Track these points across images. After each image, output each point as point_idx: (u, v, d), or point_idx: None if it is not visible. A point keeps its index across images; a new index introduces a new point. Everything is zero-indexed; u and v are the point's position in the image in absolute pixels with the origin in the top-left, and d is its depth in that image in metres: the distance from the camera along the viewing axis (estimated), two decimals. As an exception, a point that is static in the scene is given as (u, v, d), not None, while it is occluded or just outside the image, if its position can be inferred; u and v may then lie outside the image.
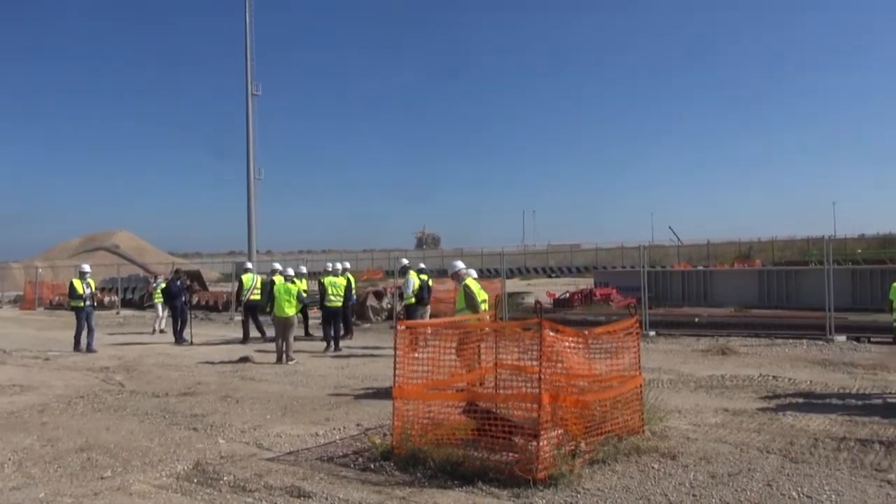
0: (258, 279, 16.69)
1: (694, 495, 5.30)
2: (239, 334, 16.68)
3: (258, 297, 16.26)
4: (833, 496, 5.22)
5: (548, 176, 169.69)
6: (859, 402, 8.38)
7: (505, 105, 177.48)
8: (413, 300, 13.84)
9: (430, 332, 7.22)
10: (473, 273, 10.76)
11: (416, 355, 6.57)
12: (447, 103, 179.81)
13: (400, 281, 15.91)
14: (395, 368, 6.41)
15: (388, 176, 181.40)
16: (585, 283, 31.65)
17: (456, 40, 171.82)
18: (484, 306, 9.92)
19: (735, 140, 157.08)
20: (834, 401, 8.54)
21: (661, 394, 8.95)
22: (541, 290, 28.99)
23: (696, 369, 10.95)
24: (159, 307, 19.23)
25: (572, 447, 5.86)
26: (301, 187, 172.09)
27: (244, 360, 13.06)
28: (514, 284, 39.46)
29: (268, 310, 13.82)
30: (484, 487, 5.52)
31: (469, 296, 9.82)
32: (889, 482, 5.48)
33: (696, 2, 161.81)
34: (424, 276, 14.36)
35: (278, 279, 14.39)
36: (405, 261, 15.54)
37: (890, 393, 8.84)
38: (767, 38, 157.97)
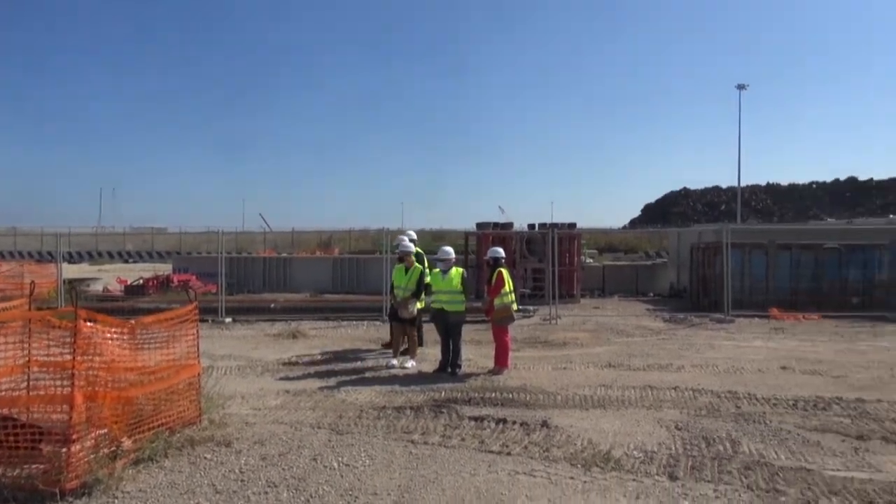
0: None
1: (242, 480, 5.32)
2: None
3: None
4: (367, 461, 5.78)
5: (131, 154, 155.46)
6: (401, 374, 9.55)
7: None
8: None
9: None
10: None
11: None
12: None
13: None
14: None
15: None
16: (166, 268, 29.84)
17: None
18: None
19: (326, 138, 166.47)
20: (382, 374, 9.58)
21: (227, 380, 8.90)
22: (112, 277, 26.36)
23: (265, 353, 11.15)
24: None
25: (114, 448, 5.35)
26: None
27: None
28: (81, 270, 35.20)
29: None
30: (-5, 510, 4.65)
31: None
32: (413, 442, 6.31)
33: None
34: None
35: None
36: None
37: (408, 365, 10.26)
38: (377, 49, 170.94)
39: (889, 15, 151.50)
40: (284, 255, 31.70)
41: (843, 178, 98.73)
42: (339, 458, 5.82)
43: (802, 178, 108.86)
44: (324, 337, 13.07)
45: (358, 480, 5.33)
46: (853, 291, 17.17)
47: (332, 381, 9.02)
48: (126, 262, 45.33)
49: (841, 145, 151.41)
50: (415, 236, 11.62)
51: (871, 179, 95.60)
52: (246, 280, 23.24)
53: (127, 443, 5.47)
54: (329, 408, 7.59)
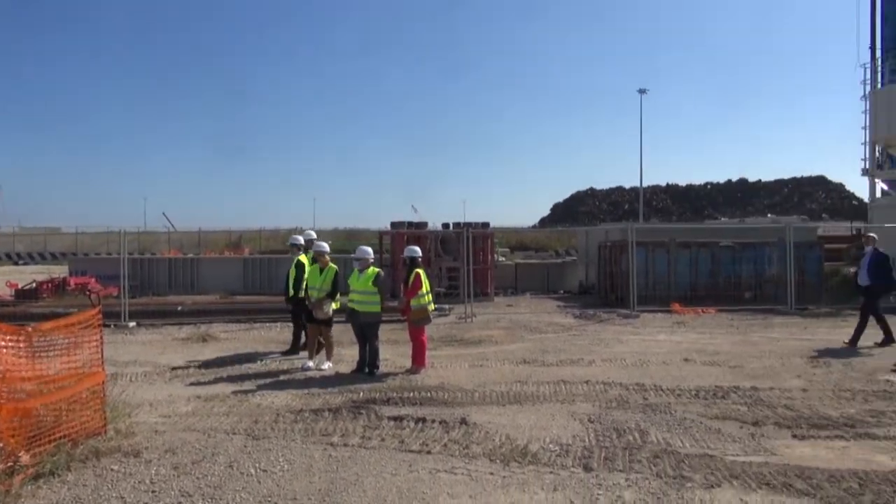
0: None
1: (153, 491, 5.10)
2: None
3: None
4: (286, 465, 5.68)
5: (18, 150, 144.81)
6: (317, 376, 9.42)
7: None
8: None
9: None
10: None
11: None
12: None
13: None
14: None
15: None
16: (62, 271, 28.14)
17: None
18: None
19: (227, 137, 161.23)
20: (298, 376, 9.41)
21: (134, 388, 8.53)
22: (1, 280, 24.60)
23: (174, 358, 10.72)
24: None
25: (10, 463, 5.01)
26: None
27: None
28: (-37, 273, 32.64)
29: None
30: None
31: None
32: (332, 444, 6.24)
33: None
34: None
35: None
36: None
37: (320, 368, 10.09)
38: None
39: (777, 26, 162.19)
40: (191, 255, 30.55)
41: (734, 179, 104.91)
42: (257, 464, 5.69)
43: (698, 179, 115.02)
44: (235, 340, 12.70)
45: (277, 486, 5.23)
46: (746, 286, 18.31)
47: (247, 385, 8.79)
48: (16, 264, 42.40)
49: (733, 149, 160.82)
50: (314, 235, 11.65)
51: (760, 181, 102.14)
52: (150, 282, 22.30)
53: (25, 457, 5.15)
54: (244, 412, 7.40)
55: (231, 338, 12.92)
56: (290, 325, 11.78)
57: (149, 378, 9.31)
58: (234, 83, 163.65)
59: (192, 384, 8.91)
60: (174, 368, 9.90)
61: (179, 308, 16.11)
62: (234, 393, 8.34)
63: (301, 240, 11.46)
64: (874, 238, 11.94)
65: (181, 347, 11.91)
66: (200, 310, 16.06)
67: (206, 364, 10.25)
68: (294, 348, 11.08)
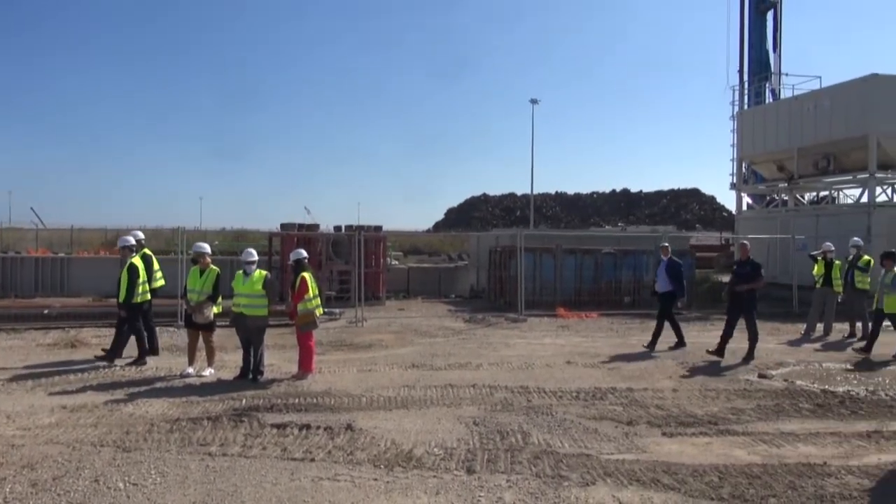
0: None
1: (6, 511, 4.71)
2: None
3: None
4: (158, 478, 5.39)
5: None
6: (198, 383, 9.02)
7: None
8: None
9: None
10: None
11: None
12: None
13: None
14: None
15: None
16: None
17: None
18: None
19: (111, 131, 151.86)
20: (176, 383, 8.97)
21: (-12, 399, 7.83)
22: None
23: (35, 365, 9.94)
24: None
25: None
26: None
27: None
28: None
29: None
30: None
31: None
32: (210, 454, 5.99)
33: None
34: None
35: None
36: None
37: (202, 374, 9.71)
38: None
39: (654, 53, 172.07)
40: (62, 254, 28.45)
41: (618, 189, 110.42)
42: (126, 478, 5.37)
43: (585, 189, 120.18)
44: (108, 345, 11.92)
45: (147, 500, 4.95)
46: (626, 291, 19.26)
47: (119, 394, 8.29)
48: None
49: (617, 161, 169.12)
50: (142, 236, 11.11)
51: (641, 191, 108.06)
52: (13, 283, 20.57)
53: None
54: (114, 423, 6.97)
55: (103, 343, 12.09)
56: (173, 328, 11.14)
57: (6, 387, 8.58)
58: (111, 78, 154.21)
59: (56, 393, 8.30)
60: (36, 376, 9.18)
61: (46, 311, 14.94)
62: (105, 402, 7.84)
63: (132, 240, 10.70)
64: (668, 248, 12.87)
65: (46, 354, 11.07)
66: (70, 313, 14.97)
67: (74, 371, 9.58)
68: (112, 354, 10.30)
